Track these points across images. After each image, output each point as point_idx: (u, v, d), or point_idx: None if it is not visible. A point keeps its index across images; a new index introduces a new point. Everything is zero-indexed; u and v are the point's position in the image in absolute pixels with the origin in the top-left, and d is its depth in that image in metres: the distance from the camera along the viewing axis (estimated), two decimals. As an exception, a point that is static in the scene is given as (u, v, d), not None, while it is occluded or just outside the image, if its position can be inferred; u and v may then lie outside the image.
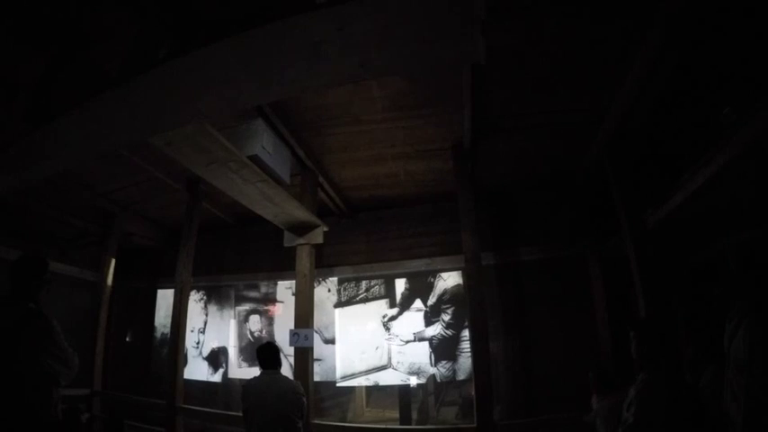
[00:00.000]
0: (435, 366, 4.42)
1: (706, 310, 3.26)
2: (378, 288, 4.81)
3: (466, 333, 4.35)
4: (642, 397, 2.23)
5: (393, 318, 4.67)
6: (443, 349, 4.44)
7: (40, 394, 1.89)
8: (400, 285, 4.77)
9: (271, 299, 5.28)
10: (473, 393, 3.56)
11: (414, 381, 4.47)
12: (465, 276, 4.30)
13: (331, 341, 4.83)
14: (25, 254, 2.12)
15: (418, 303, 4.63)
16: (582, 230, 4.39)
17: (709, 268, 3.63)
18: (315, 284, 4.65)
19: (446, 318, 4.50)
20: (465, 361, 4.32)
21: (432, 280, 4.66)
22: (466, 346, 4.32)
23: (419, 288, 4.69)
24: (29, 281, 2.02)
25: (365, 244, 5.07)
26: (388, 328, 4.64)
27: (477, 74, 2.84)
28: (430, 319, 4.55)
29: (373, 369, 4.58)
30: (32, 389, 1.86)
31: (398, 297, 4.73)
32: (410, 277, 4.76)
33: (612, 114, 3.23)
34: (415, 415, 4.66)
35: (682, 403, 2.20)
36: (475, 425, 3.40)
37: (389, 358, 4.55)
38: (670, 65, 2.71)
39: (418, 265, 4.78)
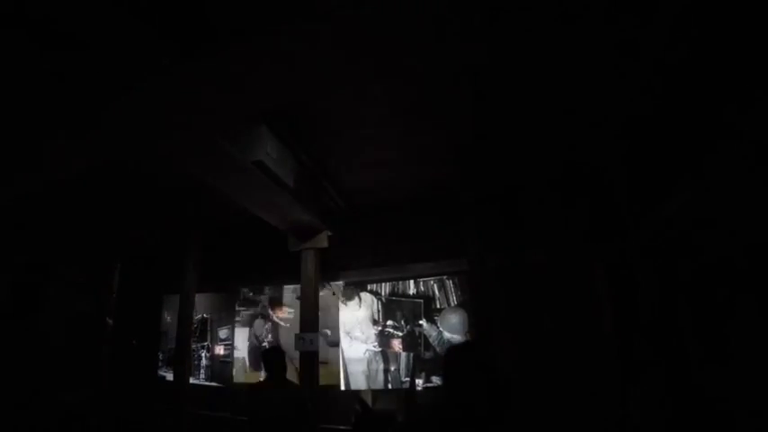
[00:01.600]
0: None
1: (712, 311, 3.26)
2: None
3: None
4: (647, 398, 2.24)
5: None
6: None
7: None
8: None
9: (276, 303, 5.30)
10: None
11: (419, 382, 4.48)
12: (469, 279, 4.33)
13: (335, 344, 4.84)
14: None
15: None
16: (587, 232, 4.38)
17: (716, 269, 3.62)
18: (320, 288, 4.68)
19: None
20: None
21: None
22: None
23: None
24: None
25: (370, 247, 5.08)
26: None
27: (479, 76, 2.87)
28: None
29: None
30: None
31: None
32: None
33: (616, 114, 3.24)
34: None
35: (685, 404, 2.21)
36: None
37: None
38: (674, 64, 2.72)
39: (423, 268, 4.79)
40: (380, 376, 4.62)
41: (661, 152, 3.60)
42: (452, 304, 4.68)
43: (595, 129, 3.49)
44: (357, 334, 4.81)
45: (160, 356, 5.64)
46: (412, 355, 4.58)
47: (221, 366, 5.33)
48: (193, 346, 5.19)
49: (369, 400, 5.19)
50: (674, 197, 3.12)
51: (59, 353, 4.56)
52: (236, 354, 5.27)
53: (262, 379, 2.96)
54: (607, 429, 3.38)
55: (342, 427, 4.27)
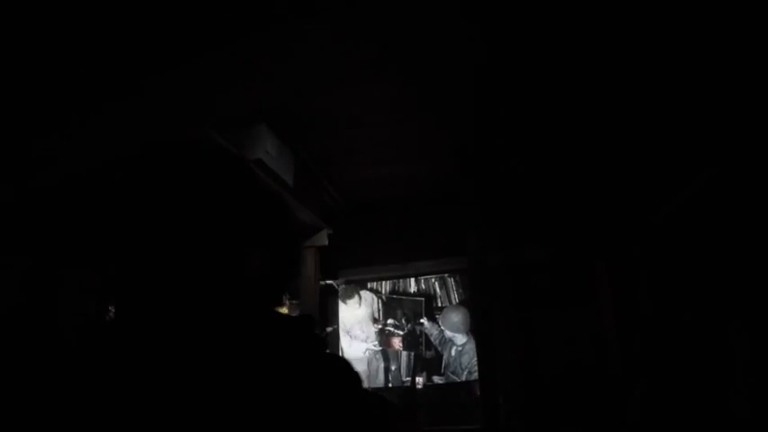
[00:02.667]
0: (443, 375, 4.43)
1: (714, 310, 3.24)
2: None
3: (471, 345, 4.35)
4: (647, 397, 2.23)
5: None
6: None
7: None
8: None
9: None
10: (478, 394, 3.56)
11: (420, 381, 4.48)
12: (469, 277, 4.32)
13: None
14: None
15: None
16: (588, 230, 4.37)
17: (718, 267, 3.60)
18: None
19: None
20: (468, 373, 4.32)
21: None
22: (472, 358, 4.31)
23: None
24: None
25: (370, 245, 5.06)
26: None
27: (480, 74, 2.85)
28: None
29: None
30: None
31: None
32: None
33: (619, 109, 3.21)
34: (421, 416, 4.65)
35: (685, 404, 2.20)
36: (479, 426, 3.41)
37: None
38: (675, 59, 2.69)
39: (423, 265, 4.78)
40: (381, 375, 4.61)
41: (664, 149, 3.58)
42: (454, 302, 4.67)
43: (597, 125, 3.47)
44: (357, 333, 4.79)
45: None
46: (413, 354, 4.57)
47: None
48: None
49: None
50: (677, 195, 3.10)
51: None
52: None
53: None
54: (607, 429, 3.37)
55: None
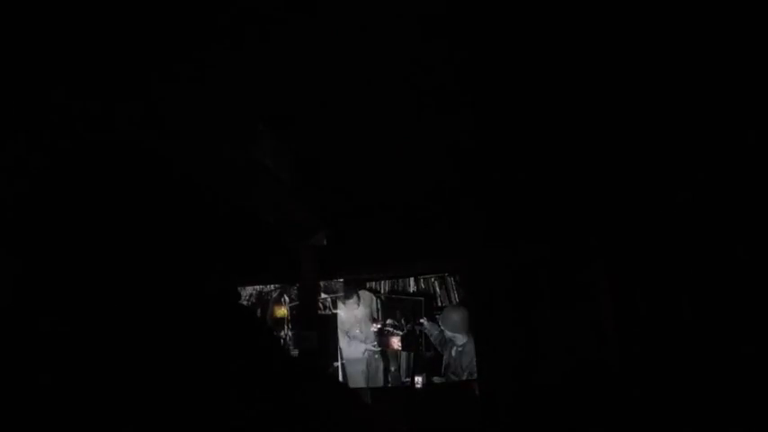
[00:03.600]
0: (443, 376, 4.42)
1: (714, 309, 3.23)
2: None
3: (472, 345, 4.33)
4: (647, 397, 2.22)
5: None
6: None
7: None
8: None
9: (277, 301, 5.26)
10: (477, 394, 3.55)
11: (420, 381, 4.47)
12: (469, 276, 4.31)
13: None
14: None
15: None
16: (587, 229, 4.36)
17: (717, 266, 3.59)
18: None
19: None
20: (469, 374, 4.31)
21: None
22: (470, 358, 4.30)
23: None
24: None
25: (369, 244, 5.04)
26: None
27: (478, 72, 2.83)
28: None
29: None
30: None
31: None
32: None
33: (617, 108, 3.20)
34: (420, 417, 4.64)
35: (685, 403, 2.19)
36: (479, 426, 3.40)
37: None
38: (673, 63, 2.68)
39: (423, 265, 4.76)
40: (380, 376, 4.59)
41: (664, 147, 3.57)
42: (454, 302, 4.64)
43: (595, 123, 3.46)
44: (356, 333, 4.77)
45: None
46: (412, 354, 4.55)
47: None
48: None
49: (368, 398, 5.19)
50: (676, 193, 3.09)
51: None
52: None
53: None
54: (607, 428, 3.36)
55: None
